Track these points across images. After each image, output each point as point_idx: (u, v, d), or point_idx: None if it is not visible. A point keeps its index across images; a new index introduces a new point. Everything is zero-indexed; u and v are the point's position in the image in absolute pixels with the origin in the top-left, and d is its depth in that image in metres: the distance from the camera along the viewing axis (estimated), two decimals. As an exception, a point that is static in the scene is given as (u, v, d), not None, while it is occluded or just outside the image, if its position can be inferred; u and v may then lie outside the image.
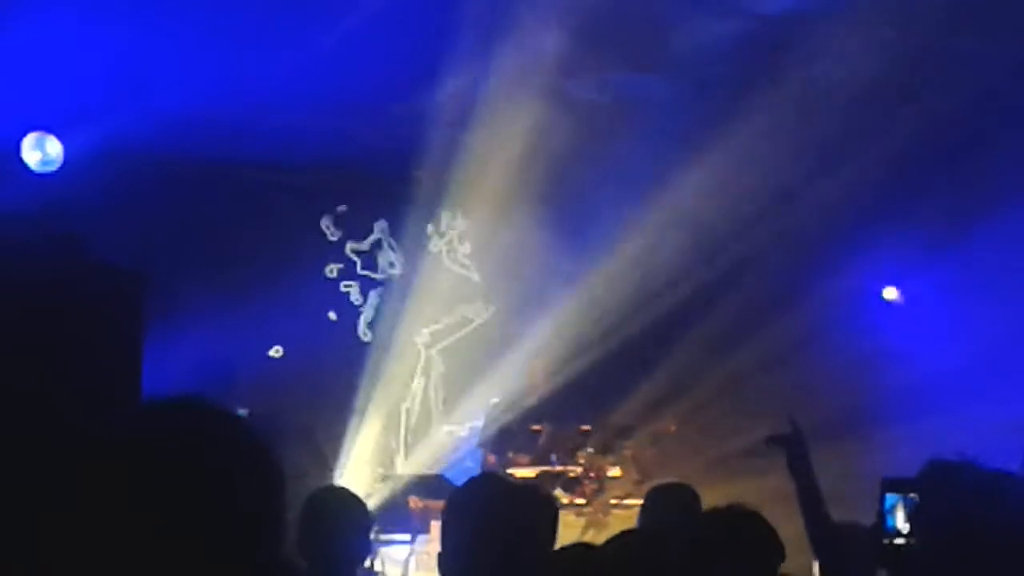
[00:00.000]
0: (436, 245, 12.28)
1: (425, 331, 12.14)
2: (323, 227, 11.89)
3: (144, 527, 1.70)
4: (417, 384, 12.13)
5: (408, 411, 12.05)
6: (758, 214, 11.15)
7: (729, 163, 10.60)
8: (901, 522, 5.48)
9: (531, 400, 10.78)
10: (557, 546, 3.59)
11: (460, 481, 10.24)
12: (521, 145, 10.66)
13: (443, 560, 3.55)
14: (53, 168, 9.89)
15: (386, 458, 11.72)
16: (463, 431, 11.96)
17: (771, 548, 4.20)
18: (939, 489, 3.39)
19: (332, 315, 11.89)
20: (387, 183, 11.76)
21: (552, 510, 3.81)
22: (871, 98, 10.01)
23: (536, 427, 10.53)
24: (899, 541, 5.51)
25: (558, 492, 9.98)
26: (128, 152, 9.87)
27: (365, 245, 12.09)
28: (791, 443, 5.13)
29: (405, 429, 12.01)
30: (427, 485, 10.51)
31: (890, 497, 5.86)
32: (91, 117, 9.73)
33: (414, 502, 10.29)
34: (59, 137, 9.94)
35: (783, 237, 11.42)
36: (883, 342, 11.78)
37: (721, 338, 11.65)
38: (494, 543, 3.44)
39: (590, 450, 10.34)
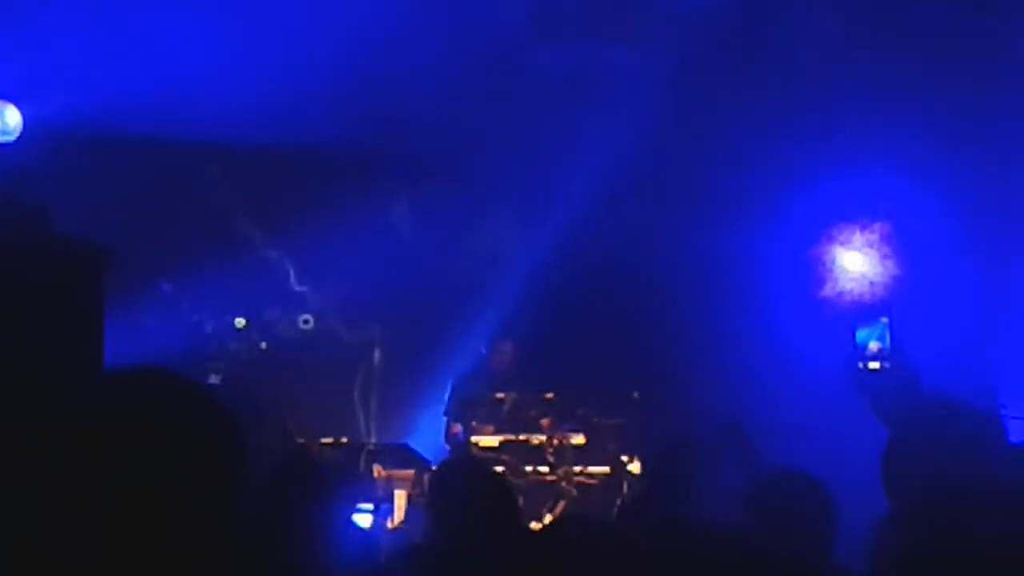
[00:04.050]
0: None
1: None
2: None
3: (107, 495, 1.71)
4: (377, 353, 12.11)
5: (370, 379, 12.05)
6: (710, 172, 11.10)
7: (689, 123, 10.60)
8: (873, 350, 5.79)
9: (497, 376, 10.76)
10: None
11: (425, 451, 10.15)
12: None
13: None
14: (11, 138, 9.82)
15: (350, 427, 11.71)
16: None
17: None
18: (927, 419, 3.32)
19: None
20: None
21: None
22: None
23: (500, 395, 10.54)
24: (873, 365, 5.79)
25: (521, 461, 10.01)
26: (87, 123, 9.80)
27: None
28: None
29: (368, 397, 12.01)
30: (392, 454, 10.50)
31: (860, 333, 6.08)
32: (51, 87, 9.67)
33: (378, 471, 10.28)
34: (18, 106, 9.86)
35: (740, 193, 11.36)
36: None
37: (683, 302, 11.62)
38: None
39: (554, 419, 10.35)
